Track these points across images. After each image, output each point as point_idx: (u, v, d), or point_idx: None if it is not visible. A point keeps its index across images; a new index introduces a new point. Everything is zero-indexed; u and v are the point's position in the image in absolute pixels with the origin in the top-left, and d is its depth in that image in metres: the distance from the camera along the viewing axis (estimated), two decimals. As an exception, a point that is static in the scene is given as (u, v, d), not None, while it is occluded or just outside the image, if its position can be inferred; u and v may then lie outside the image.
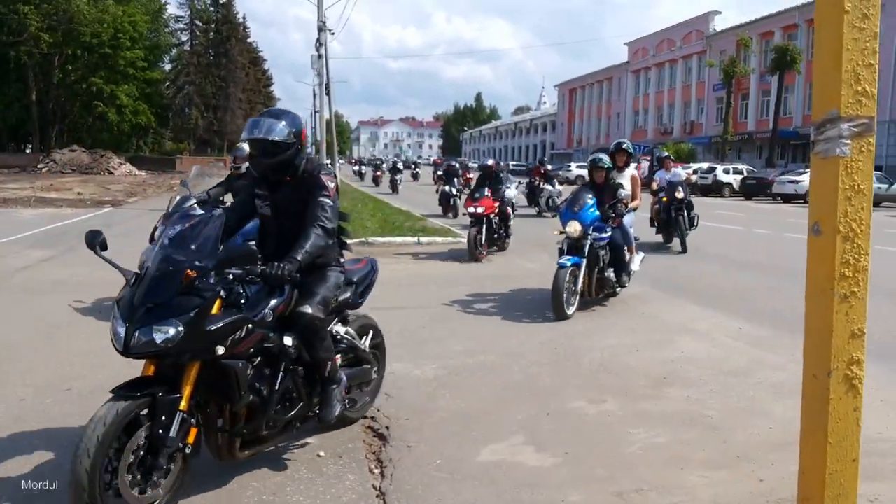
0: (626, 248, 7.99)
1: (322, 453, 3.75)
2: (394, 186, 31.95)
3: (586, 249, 7.36)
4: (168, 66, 73.93)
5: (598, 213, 7.54)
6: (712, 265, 10.89)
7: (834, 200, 2.21)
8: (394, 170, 33.60)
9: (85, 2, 51.92)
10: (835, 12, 2.10)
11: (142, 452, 2.86)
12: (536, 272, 10.01)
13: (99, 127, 59.71)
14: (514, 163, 68.36)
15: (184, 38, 75.80)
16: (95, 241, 3.15)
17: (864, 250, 2.27)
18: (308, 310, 3.38)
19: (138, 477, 2.86)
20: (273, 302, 3.28)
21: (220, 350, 2.95)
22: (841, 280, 2.26)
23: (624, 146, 8.77)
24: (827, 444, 2.35)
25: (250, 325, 3.09)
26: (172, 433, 2.86)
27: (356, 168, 52.05)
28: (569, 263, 7.21)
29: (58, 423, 4.10)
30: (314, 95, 38.46)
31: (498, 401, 4.68)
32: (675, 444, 3.98)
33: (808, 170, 30.05)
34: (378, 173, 41.04)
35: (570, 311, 7.16)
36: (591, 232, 7.40)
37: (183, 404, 2.91)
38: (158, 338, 2.83)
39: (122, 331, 2.89)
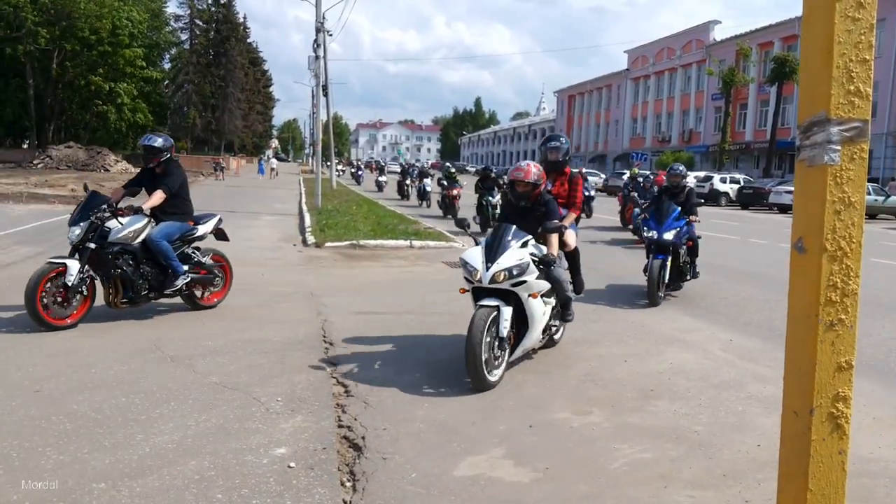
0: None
1: (293, 464, 3.60)
2: (423, 196, 25.29)
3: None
4: (167, 65, 73.85)
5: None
6: (705, 275, 10.75)
7: (820, 214, 1.88)
8: (421, 175, 26.83)
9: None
10: (825, 0, 1.86)
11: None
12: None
13: (95, 125, 59.54)
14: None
15: (183, 37, 75.80)
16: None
17: (854, 272, 1.94)
18: None
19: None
20: None
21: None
22: (827, 305, 1.95)
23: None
24: (808, 490, 2.05)
25: None
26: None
27: (353, 171, 47.78)
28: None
29: (24, 426, 3.96)
30: (312, 96, 38.10)
31: (480, 411, 4.54)
32: (660, 461, 3.85)
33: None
34: (408, 181, 29.08)
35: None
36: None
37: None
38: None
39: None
